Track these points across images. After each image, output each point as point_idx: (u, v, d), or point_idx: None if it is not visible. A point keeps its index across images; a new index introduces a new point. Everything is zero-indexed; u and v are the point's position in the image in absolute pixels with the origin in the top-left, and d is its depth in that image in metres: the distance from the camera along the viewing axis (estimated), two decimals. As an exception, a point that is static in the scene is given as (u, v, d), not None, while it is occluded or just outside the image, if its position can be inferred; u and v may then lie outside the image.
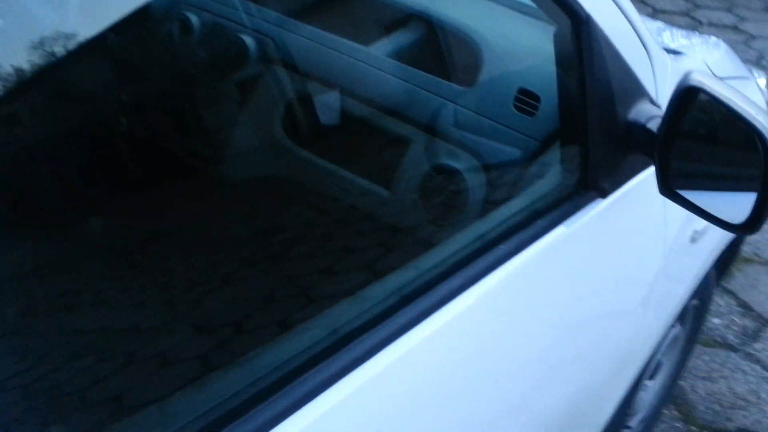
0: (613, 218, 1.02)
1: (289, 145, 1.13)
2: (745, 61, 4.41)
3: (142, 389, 0.65)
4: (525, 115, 1.07)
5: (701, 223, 1.21)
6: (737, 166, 0.91)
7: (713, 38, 1.58)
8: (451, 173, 1.05)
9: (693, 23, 4.46)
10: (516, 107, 1.07)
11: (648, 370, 1.51)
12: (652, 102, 1.02)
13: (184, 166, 0.98)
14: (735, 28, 4.43)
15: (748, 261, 2.49)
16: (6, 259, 0.64)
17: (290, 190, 1.07)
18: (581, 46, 0.91)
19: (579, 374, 1.06)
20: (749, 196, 0.85)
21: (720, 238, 1.40)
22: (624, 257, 1.10)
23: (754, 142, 0.83)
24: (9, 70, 0.62)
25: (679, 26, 4.77)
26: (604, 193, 0.98)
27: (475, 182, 1.06)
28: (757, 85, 1.48)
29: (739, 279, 2.40)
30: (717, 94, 0.83)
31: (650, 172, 1.05)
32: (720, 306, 2.28)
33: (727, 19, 4.55)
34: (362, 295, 0.78)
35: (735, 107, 0.83)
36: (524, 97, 1.07)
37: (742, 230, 0.89)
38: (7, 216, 0.67)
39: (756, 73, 1.58)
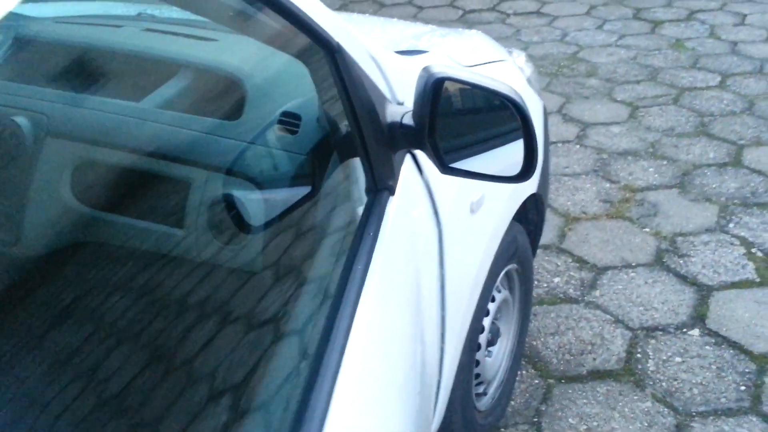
0: (401, 210, 1.14)
1: (82, 208, 1.17)
2: (552, 40, 4.71)
3: None
4: (292, 135, 1.17)
5: (475, 194, 1.36)
6: (496, 125, 1.10)
7: (473, 31, 1.76)
8: (235, 204, 1.13)
9: (501, 15, 4.80)
10: (284, 130, 1.17)
11: (482, 338, 1.65)
12: (397, 102, 1.15)
13: None
14: (538, 13, 4.81)
15: (576, 219, 2.72)
16: None
17: (95, 251, 1.11)
18: (339, 69, 1.02)
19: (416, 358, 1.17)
20: (517, 147, 1.02)
21: (504, 204, 1.54)
22: (415, 243, 1.22)
23: (501, 103, 1.01)
24: None
25: (488, 21, 5.01)
26: (392, 191, 1.10)
27: (263, 209, 1.14)
28: (514, 64, 1.66)
29: (572, 237, 2.62)
30: (458, 77, 0.99)
31: (408, 162, 1.18)
32: (558, 266, 2.48)
33: (531, 6, 4.93)
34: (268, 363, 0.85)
35: (476, 82, 1.01)
36: (288, 119, 1.17)
37: (519, 179, 1.05)
38: None
39: (516, 53, 1.76)
